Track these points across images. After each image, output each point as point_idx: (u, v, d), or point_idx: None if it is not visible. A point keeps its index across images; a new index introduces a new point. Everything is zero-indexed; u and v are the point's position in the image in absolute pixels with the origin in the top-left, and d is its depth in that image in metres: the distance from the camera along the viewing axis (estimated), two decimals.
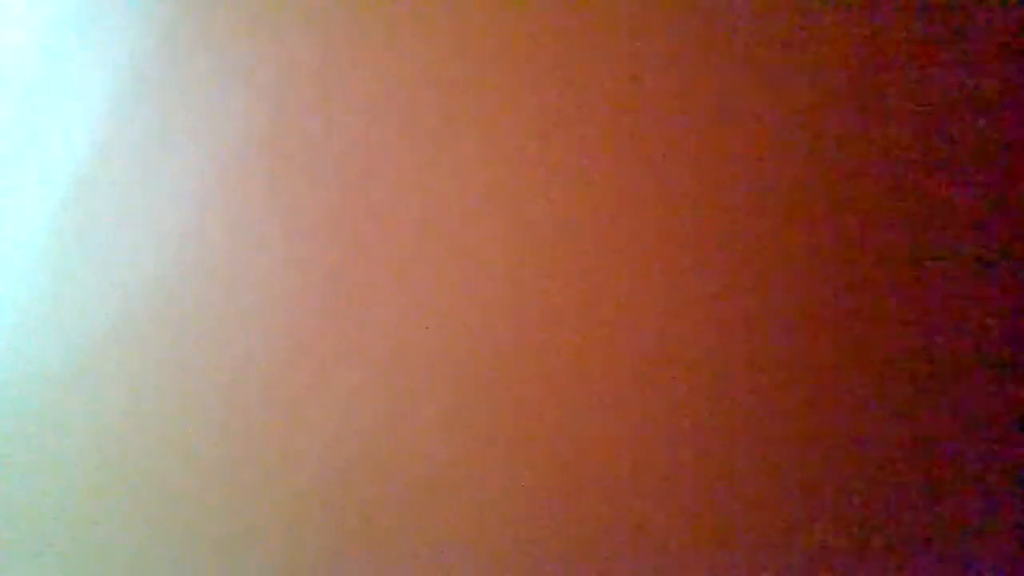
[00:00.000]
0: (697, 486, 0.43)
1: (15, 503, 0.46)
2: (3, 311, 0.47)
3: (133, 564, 0.45)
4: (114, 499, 0.45)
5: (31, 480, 0.46)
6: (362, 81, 0.45)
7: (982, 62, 0.44)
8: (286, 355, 0.45)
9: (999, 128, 0.44)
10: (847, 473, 0.42)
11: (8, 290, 0.47)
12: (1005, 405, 0.43)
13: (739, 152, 0.44)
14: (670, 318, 0.43)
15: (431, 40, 0.45)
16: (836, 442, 0.43)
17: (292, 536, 0.44)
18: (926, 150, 0.44)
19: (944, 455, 0.43)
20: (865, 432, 0.43)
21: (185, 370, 0.45)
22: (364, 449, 0.44)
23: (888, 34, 0.44)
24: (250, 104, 0.46)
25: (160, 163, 0.46)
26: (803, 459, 0.43)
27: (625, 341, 0.43)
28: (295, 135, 0.45)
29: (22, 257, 0.47)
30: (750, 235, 0.43)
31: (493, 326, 0.44)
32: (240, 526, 0.44)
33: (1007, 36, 0.44)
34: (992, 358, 0.43)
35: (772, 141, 0.44)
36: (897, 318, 0.43)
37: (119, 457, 0.45)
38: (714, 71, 0.44)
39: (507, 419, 0.43)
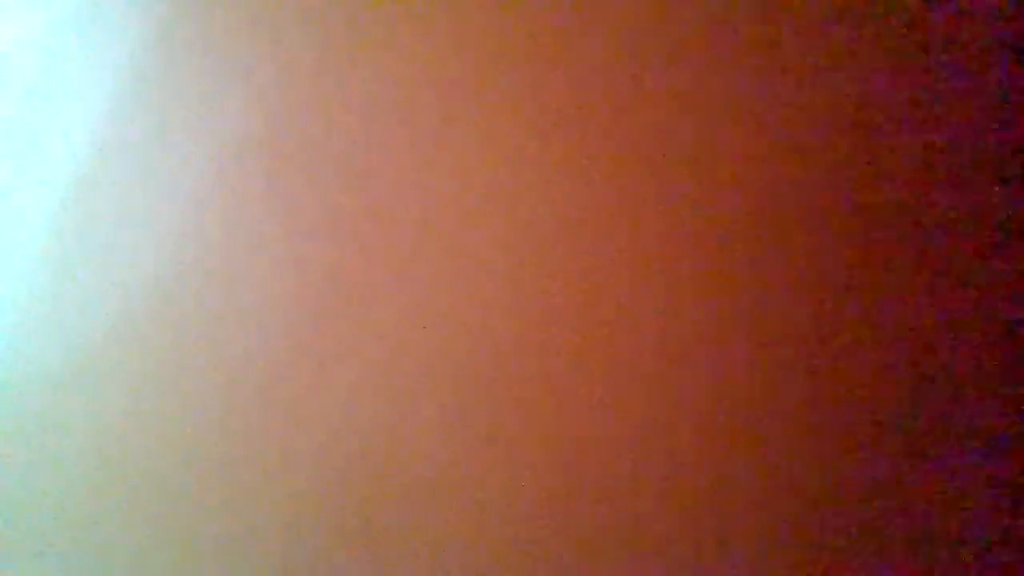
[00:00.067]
0: (697, 486, 0.43)
1: (15, 503, 0.46)
2: (3, 311, 0.47)
3: (133, 564, 0.45)
4: (114, 499, 0.45)
5: (31, 480, 0.46)
6: (361, 81, 0.45)
7: (983, 61, 0.44)
8: (285, 354, 0.44)
9: (999, 128, 0.44)
10: (848, 473, 0.42)
11: (8, 290, 0.47)
12: (1006, 405, 0.43)
13: (739, 152, 0.44)
14: (670, 318, 0.43)
15: (430, 40, 0.45)
16: (837, 442, 0.43)
17: (291, 536, 0.44)
18: (927, 149, 0.44)
19: (944, 455, 0.43)
20: (867, 431, 0.43)
21: (184, 370, 0.45)
22: (363, 448, 0.44)
23: (888, 34, 0.44)
24: (249, 104, 0.46)
25: (159, 163, 0.46)
26: (804, 460, 0.43)
27: (625, 341, 0.43)
28: (294, 135, 0.45)
29: (22, 257, 0.47)
30: (750, 235, 0.43)
31: (492, 325, 0.43)
32: (239, 526, 0.44)
33: (1008, 35, 0.44)
34: (993, 358, 0.43)
35: (772, 141, 0.44)
36: (898, 318, 0.43)
37: (119, 457, 0.45)
38: (715, 71, 0.44)
39: (506, 419, 0.43)
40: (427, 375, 0.44)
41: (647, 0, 0.45)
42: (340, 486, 0.44)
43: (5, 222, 0.48)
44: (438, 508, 0.43)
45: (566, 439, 0.43)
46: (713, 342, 0.43)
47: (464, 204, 0.44)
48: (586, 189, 0.44)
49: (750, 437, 0.43)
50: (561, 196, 0.44)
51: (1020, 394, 0.43)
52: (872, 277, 0.43)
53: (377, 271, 0.44)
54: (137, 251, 0.46)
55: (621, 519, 0.43)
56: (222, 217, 0.45)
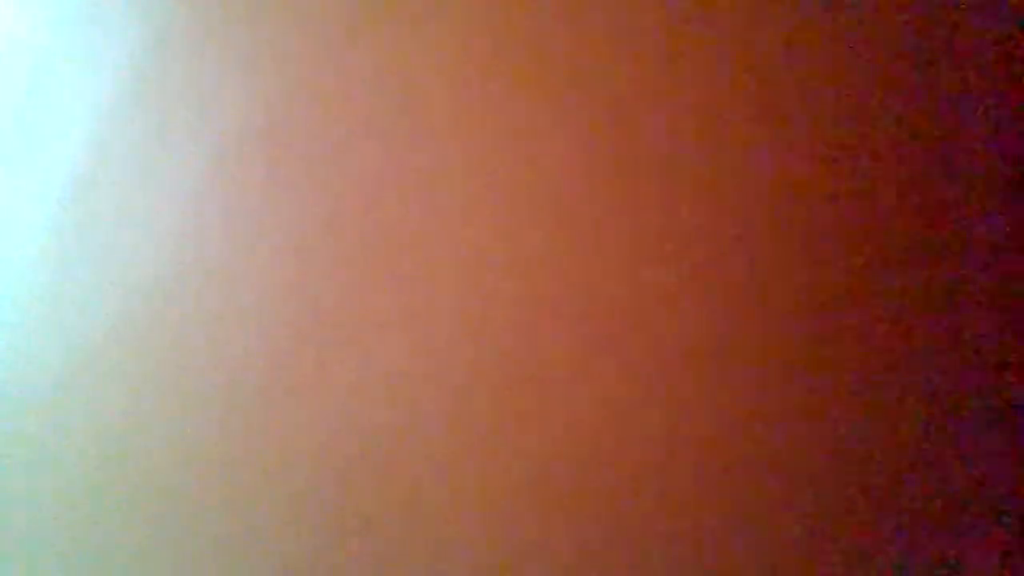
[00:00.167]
0: (700, 487, 0.43)
1: (14, 503, 0.46)
2: (3, 311, 0.47)
3: (132, 564, 0.45)
4: (114, 499, 0.45)
5: (30, 480, 0.46)
6: (362, 79, 0.45)
7: (983, 61, 0.44)
8: (285, 354, 0.44)
9: (1000, 127, 0.44)
10: (849, 473, 0.42)
11: (8, 290, 0.47)
12: (1007, 404, 0.43)
13: (741, 152, 0.44)
14: (674, 317, 0.43)
15: (430, 33, 0.45)
16: (839, 444, 0.43)
17: (291, 536, 0.44)
18: (927, 149, 0.44)
19: (946, 456, 0.43)
20: (868, 432, 0.43)
21: (184, 369, 0.45)
22: (364, 449, 0.44)
23: (888, 33, 0.44)
24: (249, 102, 0.46)
25: (159, 162, 0.46)
26: (805, 461, 0.43)
27: (627, 339, 0.43)
28: (294, 133, 0.45)
29: (22, 257, 0.47)
30: (753, 234, 0.43)
31: (494, 323, 0.43)
32: (240, 526, 0.44)
33: (1008, 35, 0.44)
34: (994, 358, 0.43)
35: (775, 141, 0.44)
36: (899, 318, 0.43)
37: (119, 456, 0.45)
38: (718, 71, 0.44)
39: (508, 418, 0.43)
40: (429, 374, 0.44)
41: (650, 5, 0.45)
42: (340, 486, 0.44)
43: (5, 222, 0.48)
44: (439, 508, 0.43)
45: (568, 438, 0.43)
46: (717, 340, 0.43)
47: (467, 198, 0.44)
48: (590, 186, 0.44)
49: (754, 437, 0.43)
50: (565, 192, 0.44)
51: (1021, 395, 0.43)
52: (876, 276, 0.43)
53: (378, 270, 0.44)
54: (137, 251, 0.46)
55: (623, 520, 0.43)
56: (222, 216, 0.45)
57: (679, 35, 0.44)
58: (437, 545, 0.43)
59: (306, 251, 0.45)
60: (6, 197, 0.48)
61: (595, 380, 0.43)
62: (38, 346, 0.46)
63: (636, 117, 0.44)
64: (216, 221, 0.45)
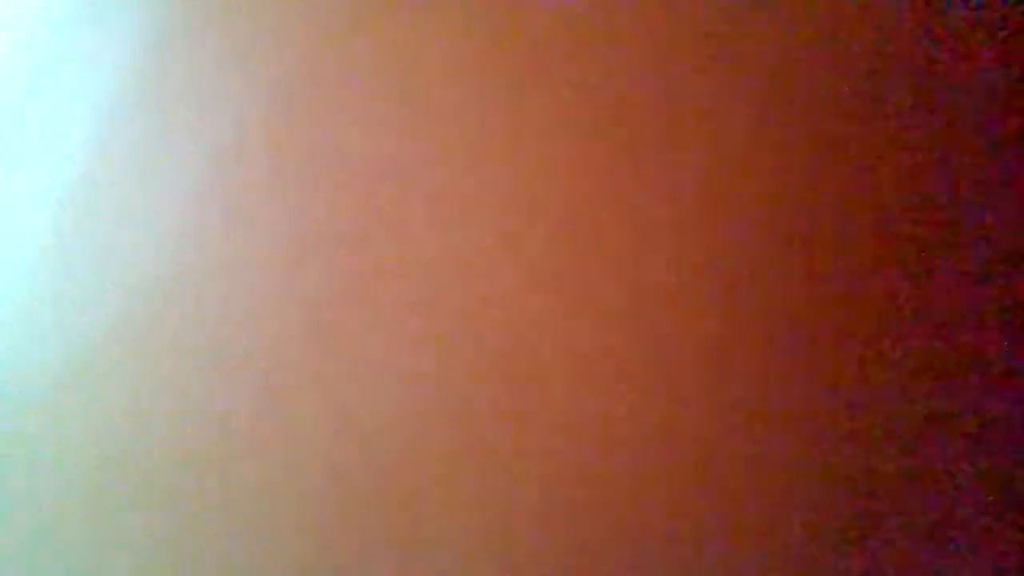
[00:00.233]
0: (705, 489, 0.43)
1: (14, 503, 0.46)
2: (3, 311, 0.47)
3: (133, 564, 0.45)
4: (114, 499, 0.45)
5: (31, 480, 0.46)
6: (366, 79, 0.45)
7: (983, 61, 0.44)
8: (287, 355, 0.45)
9: (1000, 127, 0.44)
10: (850, 475, 0.43)
11: (8, 290, 0.47)
12: (1007, 405, 0.43)
13: (744, 153, 0.44)
14: (676, 318, 0.43)
15: (437, 33, 0.45)
16: (842, 445, 0.43)
17: (291, 536, 0.44)
18: (928, 149, 0.44)
19: (946, 456, 0.43)
20: (870, 433, 0.43)
21: (185, 369, 0.45)
22: (366, 449, 0.44)
23: (888, 34, 0.44)
24: (250, 103, 0.46)
25: (159, 162, 0.46)
26: (807, 462, 0.43)
27: (631, 342, 0.43)
28: (296, 133, 0.46)
29: (22, 257, 0.47)
30: (757, 234, 0.43)
31: (498, 322, 0.44)
32: (239, 526, 0.44)
33: (1009, 35, 0.44)
34: (994, 358, 0.43)
35: (777, 142, 0.44)
36: (900, 317, 0.43)
37: (119, 456, 0.45)
38: (721, 72, 0.44)
39: (510, 422, 0.43)
40: (433, 375, 0.44)
41: (650, 4, 0.45)
42: (342, 486, 0.44)
43: (5, 222, 0.48)
44: (441, 508, 0.43)
45: (572, 438, 0.43)
46: (721, 342, 0.43)
47: (472, 201, 0.44)
48: (593, 182, 0.44)
49: (757, 438, 0.43)
50: (568, 188, 0.44)
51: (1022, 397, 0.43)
52: (876, 276, 0.43)
53: (380, 270, 0.44)
54: (137, 250, 0.46)
55: (628, 525, 0.43)
56: (223, 215, 0.46)
57: (686, 35, 0.44)
58: (440, 545, 0.43)
59: (308, 249, 0.45)
60: (6, 197, 0.48)
61: (600, 383, 0.43)
62: (38, 346, 0.46)
63: (641, 114, 0.44)
64: (217, 220, 0.46)
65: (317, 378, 0.44)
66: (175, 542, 0.45)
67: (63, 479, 0.46)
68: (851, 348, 0.43)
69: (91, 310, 0.46)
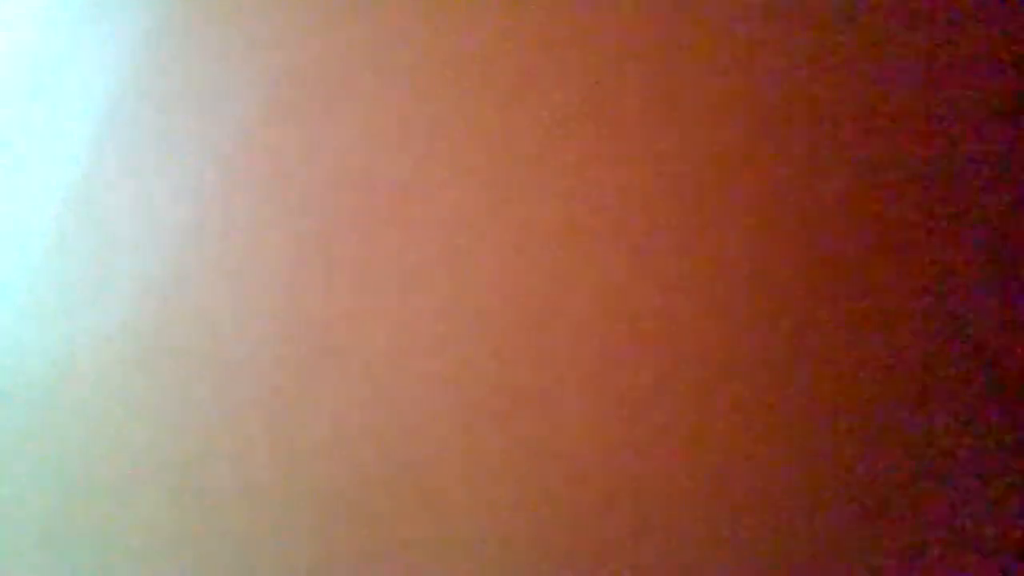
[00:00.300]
0: (700, 488, 0.43)
1: (14, 503, 0.46)
2: (5, 310, 0.47)
3: (134, 564, 0.45)
4: (114, 500, 0.45)
5: (31, 480, 0.46)
6: (366, 78, 0.45)
7: (983, 61, 0.44)
8: (289, 355, 0.45)
9: (1000, 127, 0.43)
10: (851, 475, 0.42)
11: (10, 290, 0.47)
12: (1007, 407, 0.42)
13: (747, 154, 0.44)
14: (680, 321, 0.43)
15: (440, 35, 0.45)
16: (841, 446, 0.42)
17: (291, 537, 0.44)
18: (927, 149, 0.43)
19: (946, 456, 0.42)
20: (869, 434, 0.43)
21: (186, 370, 0.45)
22: (368, 450, 0.44)
23: (888, 34, 0.44)
24: (251, 103, 0.46)
25: (161, 162, 0.46)
26: (808, 464, 0.42)
27: (633, 344, 0.43)
28: (297, 133, 0.46)
29: (24, 257, 0.47)
30: (758, 235, 0.43)
31: (500, 325, 0.43)
32: (240, 526, 0.44)
33: (1009, 35, 0.44)
34: (994, 358, 0.43)
35: (780, 144, 0.44)
36: (899, 317, 0.43)
37: (119, 456, 0.45)
38: (725, 74, 0.44)
39: (512, 424, 0.43)
40: (435, 375, 0.44)
41: (658, 2, 0.45)
42: (343, 488, 0.44)
43: (7, 222, 0.48)
44: (458, 509, 0.43)
45: (574, 441, 0.43)
46: (723, 343, 0.43)
47: (473, 204, 0.44)
48: (590, 190, 0.44)
49: (754, 440, 0.43)
50: (565, 197, 0.44)
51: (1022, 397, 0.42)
52: (877, 277, 0.43)
53: (382, 270, 0.44)
54: (139, 250, 0.46)
55: (632, 524, 0.43)
56: (225, 216, 0.46)
57: (686, 34, 0.44)
58: (459, 546, 0.43)
59: (311, 247, 0.45)
60: (8, 198, 0.48)
61: (601, 384, 0.43)
62: (41, 346, 0.47)
63: (653, 113, 0.44)
64: (218, 220, 0.46)
65: (319, 378, 0.44)
66: (175, 543, 0.45)
67: (64, 478, 0.46)
68: (851, 348, 0.43)
69: (93, 310, 0.46)
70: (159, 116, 0.47)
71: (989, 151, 0.43)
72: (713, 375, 0.43)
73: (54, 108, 0.48)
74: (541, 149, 0.44)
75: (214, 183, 0.46)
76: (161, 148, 0.46)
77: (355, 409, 0.44)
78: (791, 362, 0.43)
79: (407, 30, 0.45)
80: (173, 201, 0.46)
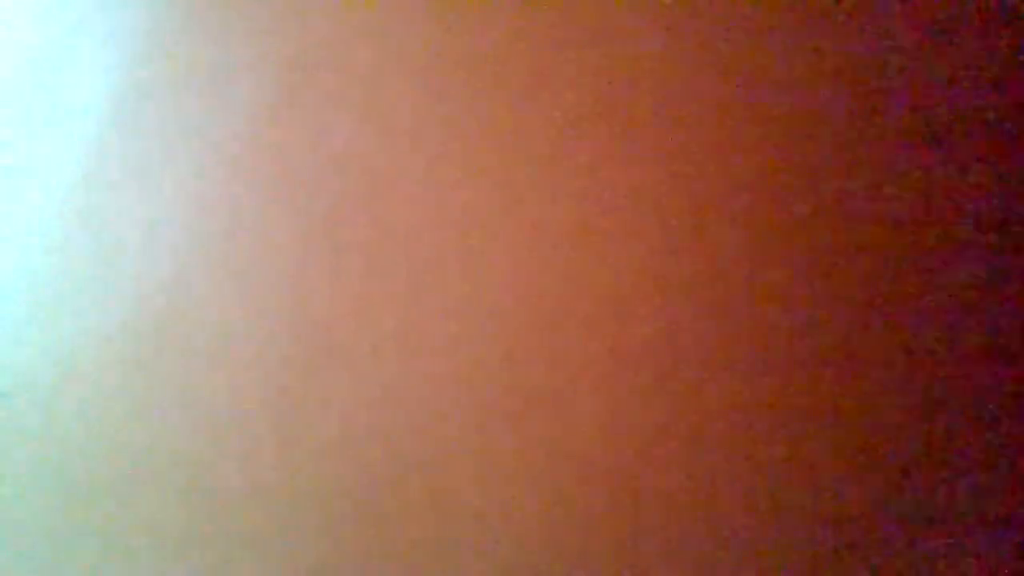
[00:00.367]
0: (722, 490, 0.43)
1: (15, 503, 0.46)
2: (7, 310, 0.47)
3: (133, 564, 0.45)
4: (115, 500, 0.45)
5: (31, 479, 0.46)
6: (369, 79, 0.45)
7: (983, 61, 0.44)
8: (296, 354, 0.44)
9: (1000, 127, 0.44)
10: (849, 476, 0.43)
11: (12, 290, 0.47)
12: (1006, 403, 0.43)
13: (758, 156, 0.44)
14: (693, 322, 0.43)
15: (443, 37, 0.45)
16: (841, 446, 0.43)
17: (291, 538, 0.44)
18: (928, 150, 0.44)
19: (945, 455, 0.43)
20: (869, 433, 0.43)
21: (191, 370, 0.45)
22: (377, 450, 0.44)
23: (888, 34, 0.44)
24: (256, 104, 0.46)
25: (164, 163, 0.46)
26: (808, 464, 0.43)
27: (645, 344, 0.43)
28: (302, 134, 0.45)
29: (27, 257, 0.47)
30: (771, 237, 0.43)
31: (511, 325, 0.44)
32: (247, 526, 0.44)
33: (1008, 35, 0.44)
34: (994, 358, 0.43)
35: (782, 146, 0.44)
36: (900, 317, 0.43)
37: (120, 455, 0.45)
38: (737, 77, 0.44)
39: (523, 423, 0.43)
40: (438, 376, 0.44)
41: (663, 6, 0.45)
42: (349, 488, 0.44)
43: (9, 222, 0.48)
44: (452, 508, 0.43)
45: (585, 441, 0.43)
46: (730, 341, 0.43)
47: (475, 207, 0.44)
48: (602, 190, 0.44)
49: (754, 440, 0.43)
50: (572, 198, 0.44)
51: (1021, 396, 0.43)
52: (878, 277, 0.43)
53: (384, 271, 0.44)
54: (141, 250, 0.46)
55: (637, 525, 0.43)
56: (229, 217, 0.45)
57: (696, 40, 0.44)
58: (468, 546, 0.43)
59: (319, 246, 0.45)
60: (10, 198, 0.48)
61: (609, 384, 0.43)
62: (43, 346, 0.46)
63: (666, 115, 0.44)
64: (222, 220, 0.46)
65: (320, 379, 0.44)
66: (175, 543, 0.45)
67: (65, 478, 0.46)
68: (850, 348, 0.43)
69: (95, 310, 0.46)
70: (161, 115, 0.47)
71: (989, 151, 0.43)
72: (727, 375, 0.43)
73: (54, 108, 0.48)
74: (553, 150, 0.44)
75: (219, 182, 0.46)
76: (164, 147, 0.46)
77: (363, 408, 0.44)
78: (806, 362, 0.43)
79: (422, 33, 0.45)
80: (177, 200, 0.46)
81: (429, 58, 0.45)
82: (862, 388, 0.43)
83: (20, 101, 0.48)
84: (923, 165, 0.44)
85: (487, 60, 0.45)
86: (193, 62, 0.47)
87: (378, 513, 0.43)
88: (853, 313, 0.43)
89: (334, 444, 0.44)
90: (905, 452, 0.43)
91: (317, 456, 0.44)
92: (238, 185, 0.45)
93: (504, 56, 0.45)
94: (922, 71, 0.44)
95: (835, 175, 0.44)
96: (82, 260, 0.46)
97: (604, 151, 0.44)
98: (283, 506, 0.44)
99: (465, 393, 0.43)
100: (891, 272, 0.43)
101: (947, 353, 0.43)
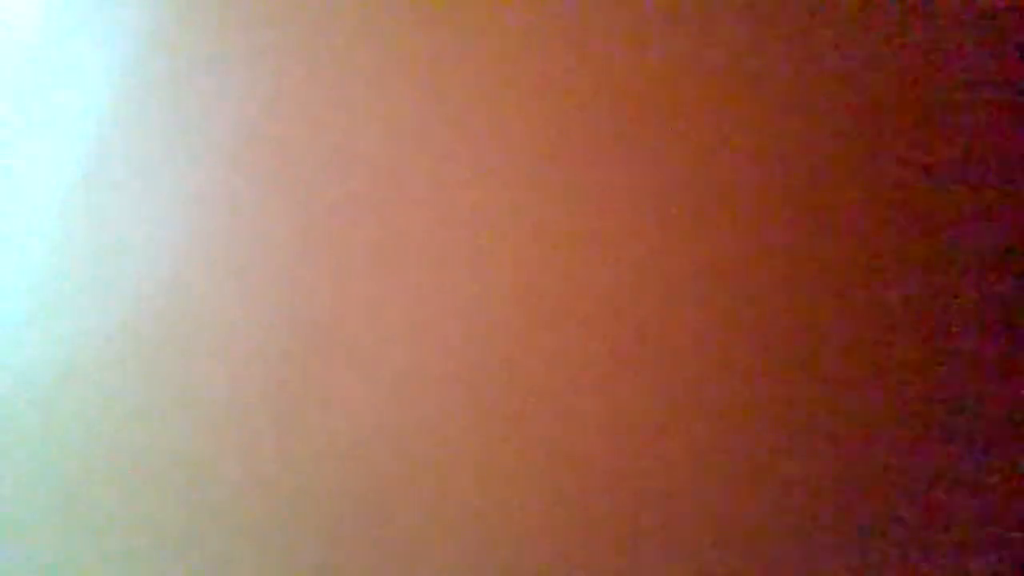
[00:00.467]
0: (726, 490, 0.43)
1: (15, 503, 0.46)
2: (8, 310, 0.47)
3: (134, 564, 0.45)
4: (115, 501, 0.45)
5: (32, 479, 0.46)
6: (370, 78, 0.45)
7: (982, 61, 0.44)
8: (297, 354, 0.44)
9: (1000, 128, 0.44)
10: (848, 476, 0.43)
11: (13, 290, 0.47)
12: (1006, 404, 0.43)
13: (762, 158, 0.44)
14: (696, 323, 0.43)
15: (440, 39, 0.45)
16: (839, 446, 0.43)
17: (300, 538, 0.44)
18: (926, 149, 0.44)
19: (945, 455, 0.43)
20: (867, 433, 0.43)
21: (192, 369, 0.45)
22: (379, 449, 0.44)
23: (887, 35, 0.44)
24: (256, 102, 0.46)
25: (163, 161, 0.46)
26: (807, 464, 0.43)
27: (647, 346, 0.43)
28: (302, 133, 0.45)
29: (28, 257, 0.47)
30: (765, 237, 0.43)
31: (514, 326, 0.44)
32: (249, 526, 0.44)
33: (1008, 35, 0.44)
34: (993, 357, 0.43)
35: (782, 146, 0.44)
36: (900, 317, 0.43)
37: (120, 455, 0.45)
38: (740, 80, 0.44)
39: (526, 424, 0.43)
40: (439, 376, 0.44)
41: (669, 8, 0.45)
42: (351, 489, 0.44)
43: (10, 222, 0.48)
44: (455, 508, 0.43)
45: (588, 443, 0.43)
46: (732, 346, 0.43)
47: (477, 209, 0.44)
48: (606, 192, 0.44)
49: (754, 441, 0.43)
50: (574, 203, 0.44)
51: (1020, 395, 0.43)
52: (877, 277, 0.43)
53: (385, 271, 0.44)
54: (142, 250, 0.46)
55: (639, 526, 0.43)
56: (229, 215, 0.45)
57: (700, 43, 0.44)
58: (470, 546, 0.43)
59: (321, 245, 0.45)
60: (11, 198, 0.48)
61: (610, 389, 0.43)
62: (44, 345, 0.46)
63: (671, 118, 0.44)
64: (222, 219, 0.45)
65: (321, 379, 0.44)
66: (175, 543, 0.45)
67: (65, 477, 0.46)
68: (850, 348, 0.43)
69: (95, 310, 0.46)
70: (162, 117, 0.47)
71: (989, 151, 0.43)
72: (727, 375, 0.43)
73: (55, 108, 0.48)
74: (557, 151, 0.44)
75: (220, 180, 0.46)
76: (165, 146, 0.46)
77: (366, 408, 0.44)
78: (805, 362, 0.43)
79: (425, 28, 0.45)
80: (177, 199, 0.46)
81: (432, 53, 0.45)
82: (862, 388, 0.43)
83: (20, 101, 0.48)
84: (924, 165, 0.44)
85: (489, 55, 0.45)
86: (193, 60, 0.47)
87: (378, 513, 0.43)
88: (853, 313, 0.43)
89: (335, 444, 0.44)
90: (905, 452, 0.43)
91: (318, 456, 0.44)
92: (240, 183, 0.45)
93: (511, 58, 0.45)
94: (922, 71, 0.44)
95: (835, 175, 0.44)
96: (82, 260, 0.46)
97: (609, 154, 0.44)
98: (284, 506, 0.44)
99: (466, 392, 0.43)
100: (892, 272, 0.43)
101: (948, 353, 0.43)
